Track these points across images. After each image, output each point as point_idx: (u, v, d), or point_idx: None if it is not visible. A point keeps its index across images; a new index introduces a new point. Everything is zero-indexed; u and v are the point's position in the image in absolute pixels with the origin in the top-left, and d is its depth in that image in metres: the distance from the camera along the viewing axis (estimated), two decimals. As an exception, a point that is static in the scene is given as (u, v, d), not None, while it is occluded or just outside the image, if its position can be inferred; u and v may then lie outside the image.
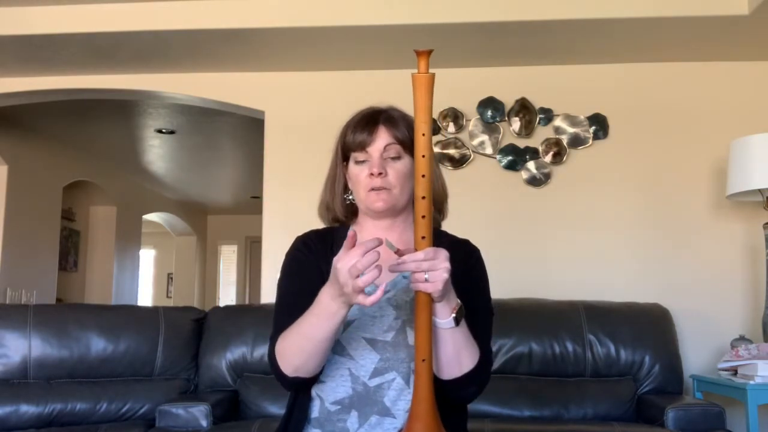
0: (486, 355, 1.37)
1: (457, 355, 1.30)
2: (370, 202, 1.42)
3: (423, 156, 1.20)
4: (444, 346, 1.28)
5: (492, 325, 1.46)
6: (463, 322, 1.28)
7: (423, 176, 1.19)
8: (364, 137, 1.43)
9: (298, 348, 1.30)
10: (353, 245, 1.16)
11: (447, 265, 1.18)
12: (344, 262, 1.16)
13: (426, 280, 1.17)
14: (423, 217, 1.19)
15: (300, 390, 1.40)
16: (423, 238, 1.18)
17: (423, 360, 1.21)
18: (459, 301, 1.27)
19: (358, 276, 1.15)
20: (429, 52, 1.16)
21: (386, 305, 1.40)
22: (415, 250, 1.19)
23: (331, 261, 1.44)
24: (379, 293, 1.16)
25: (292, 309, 1.36)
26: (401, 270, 1.20)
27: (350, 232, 1.19)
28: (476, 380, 1.34)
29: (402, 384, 1.36)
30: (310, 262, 1.45)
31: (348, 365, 1.37)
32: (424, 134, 1.20)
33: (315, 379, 1.37)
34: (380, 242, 1.17)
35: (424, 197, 1.18)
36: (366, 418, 1.35)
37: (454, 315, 1.25)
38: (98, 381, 2.86)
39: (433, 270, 1.17)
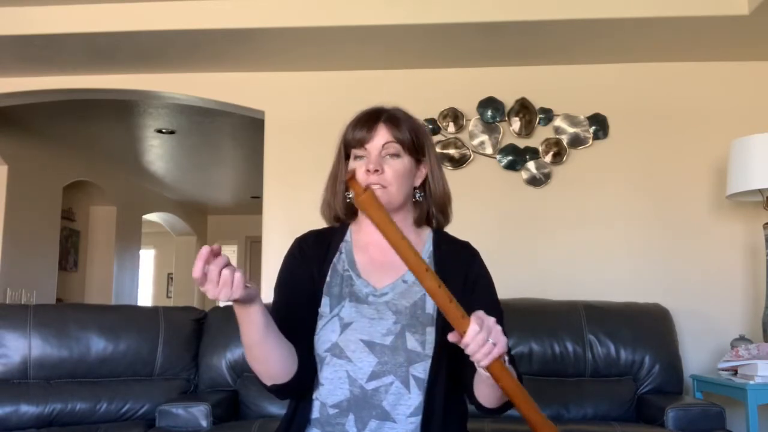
0: (514, 363, 1.37)
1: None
2: None
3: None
4: (495, 388, 1.25)
5: (504, 324, 1.46)
6: None
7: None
8: (363, 134, 1.44)
9: (249, 357, 1.33)
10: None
11: (493, 318, 1.16)
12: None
13: (494, 345, 1.14)
14: (450, 301, 1.15)
15: (289, 395, 1.40)
16: (462, 317, 1.14)
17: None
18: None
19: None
20: (353, 176, 1.13)
21: (384, 309, 1.39)
22: (460, 331, 1.14)
23: (326, 263, 1.45)
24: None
25: (282, 323, 1.35)
26: (482, 365, 1.16)
27: (210, 248, 1.16)
28: None
29: (401, 388, 1.35)
30: (303, 269, 1.45)
31: (346, 368, 1.36)
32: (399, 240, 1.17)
33: (300, 386, 1.37)
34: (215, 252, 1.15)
35: (440, 286, 1.15)
36: (365, 423, 1.34)
37: (506, 356, 1.22)
38: (98, 381, 2.85)
39: (491, 331, 1.14)
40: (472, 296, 1.43)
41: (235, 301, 1.19)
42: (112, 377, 2.87)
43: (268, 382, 1.34)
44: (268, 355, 1.30)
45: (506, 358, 1.21)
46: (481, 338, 1.12)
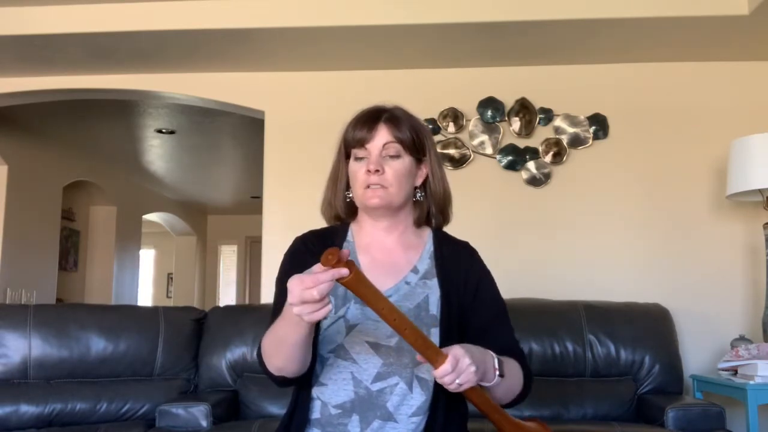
0: (521, 356, 1.45)
1: (509, 389, 1.38)
2: (366, 199, 1.42)
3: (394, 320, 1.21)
4: (498, 391, 1.35)
5: (509, 318, 1.51)
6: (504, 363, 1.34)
7: (394, 320, 1.20)
8: (363, 134, 1.43)
9: (275, 350, 1.32)
10: (329, 264, 1.13)
11: (468, 361, 1.21)
12: (299, 284, 1.13)
13: (460, 385, 1.22)
14: (428, 348, 1.22)
15: (289, 385, 1.40)
16: (438, 355, 1.22)
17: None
18: (493, 353, 1.32)
19: (307, 302, 1.13)
20: (339, 259, 1.13)
21: None
22: (435, 367, 1.22)
23: None
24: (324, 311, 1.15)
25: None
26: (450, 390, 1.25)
27: (345, 251, 1.16)
28: (527, 387, 1.44)
29: (405, 389, 1.35)
30: (307, 262, 1.44)
31: (351, 369, 1.36)
32: (382, 307, 1.20)
33: (303, 379, 1.37)
34: (342, 275, 1.13)
35: (406, 329, 1.20)
36: (368, 423, 1.34)
37: (498, 373, 1.30)
38: (98, 381, 2.85)
39: (461, 374, 1.21)
40: (476, 297, 1.45)
41: None
42: (112, 377, 2.87)
43: (277, 373, 1.34)
44: (293, 355, 1.29)
45: (497, 368, 1.31)
46: (449, 379, 1.21)
